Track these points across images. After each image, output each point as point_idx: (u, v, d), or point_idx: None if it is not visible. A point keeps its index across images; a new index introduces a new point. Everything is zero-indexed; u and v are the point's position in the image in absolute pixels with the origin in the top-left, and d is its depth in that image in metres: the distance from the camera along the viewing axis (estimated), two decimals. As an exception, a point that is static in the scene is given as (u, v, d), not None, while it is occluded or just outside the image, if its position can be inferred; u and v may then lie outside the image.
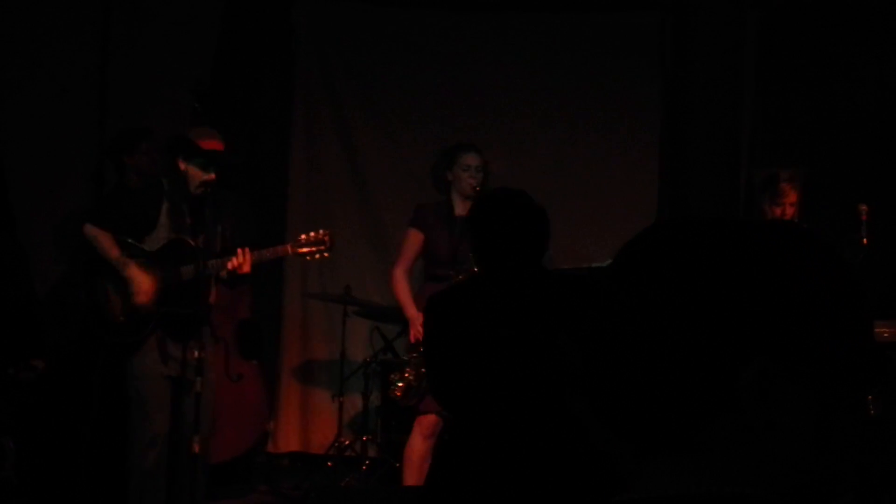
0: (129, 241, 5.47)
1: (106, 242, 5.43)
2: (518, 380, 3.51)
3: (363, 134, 8.24)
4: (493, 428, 3.52)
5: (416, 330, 5.77)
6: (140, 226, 5.48)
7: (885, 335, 5.99)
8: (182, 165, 5.47)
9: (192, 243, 5.42)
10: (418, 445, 5.80)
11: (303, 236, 5.68)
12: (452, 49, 8.26)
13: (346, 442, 7.36)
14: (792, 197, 6.47)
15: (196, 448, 5.35)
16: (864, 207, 6.23)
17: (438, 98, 8.26)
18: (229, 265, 5.41)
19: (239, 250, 5.43)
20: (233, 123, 7.78)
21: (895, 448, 5.82)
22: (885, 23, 7.89)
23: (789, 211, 6.48)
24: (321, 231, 5.70)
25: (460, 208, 6.04)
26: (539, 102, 8.23)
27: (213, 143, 5.48)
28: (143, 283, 5.38)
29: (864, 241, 6.16)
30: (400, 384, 5.75)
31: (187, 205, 5.49)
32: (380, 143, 8.17)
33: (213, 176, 5.42)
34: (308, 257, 5.73)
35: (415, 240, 6.04)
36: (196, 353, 5.33)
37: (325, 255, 5.76)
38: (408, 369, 5.78)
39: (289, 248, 5.65)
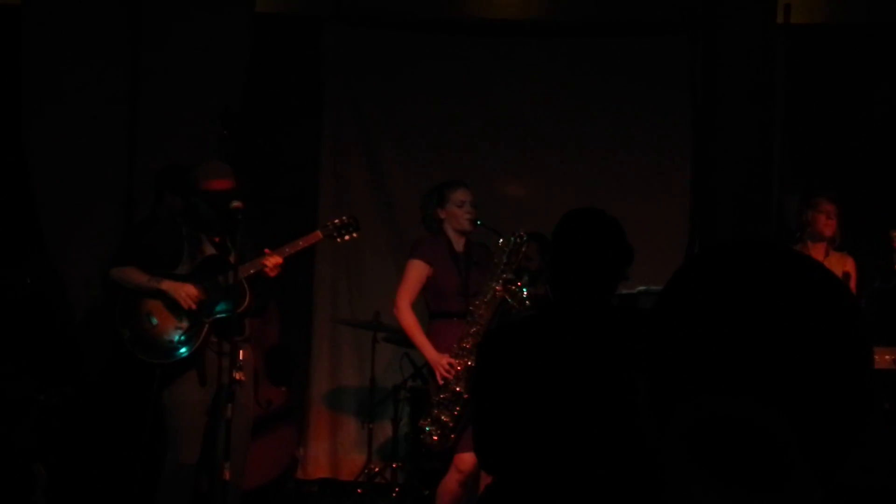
0: (156, 271, 5.51)
1: (133, 274, 5.47)
2: (587, 439, 3.08)
3: (391, 159, 8.26)
4: (550, 497, 3.13)
5: (441, 371, 5.70)
6: (164, 260, 5.51)
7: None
8: (194, 200, 5.54)
9: (222, 255, 5.49)
10: (453, 486, 5.68)
11: (329, 222, 5.86)
12: (480, 74, 8.27)
13: (376, 469, 7.35)
14: (829, 206, 6.47)
15: (227, 475, 5.34)
16: (895, 234, 6.19)
17: (466, 123, 8.26)
18: (265, 261, 5.46)
19: (266, 251, 5.51)
20: (261, 148, 7.82)
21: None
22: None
23: (830, 222, 6.49)
24: (345, 217, 5.92)
25: (457, 244, 5.99)
26: (567, 127, 8.22)
27: (219, 183, 5.49)
28: (183, 288, 5.43)
29: (895, 267, 6.13)
30: (431, 428, 5.65)
31: (208, 237, 5.55)
32: (408, 168, 8.18)
33: (240, 204, 5.45)
34: (339, 239, 5.86)
35: (422, 272, 5.89)
36: (237, 376, 5.35)
37: (355, 235, 5.92)
38: (436, 412, 5.68)
39: (319, 233, 5.76)
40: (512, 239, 5.74)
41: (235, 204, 5.42)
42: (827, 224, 6.50)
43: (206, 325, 5.45)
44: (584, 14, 8.40)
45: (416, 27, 8.35)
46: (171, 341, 5.45)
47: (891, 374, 6.03)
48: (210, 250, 5.55)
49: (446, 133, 8.27)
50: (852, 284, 6.47)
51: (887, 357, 6.05)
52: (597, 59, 8.25)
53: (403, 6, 8.36)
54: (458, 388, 5.61)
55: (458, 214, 5.93)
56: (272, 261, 5.52)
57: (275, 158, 8.12)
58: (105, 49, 7.59)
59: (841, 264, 6.48)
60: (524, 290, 5.62)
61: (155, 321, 5.47)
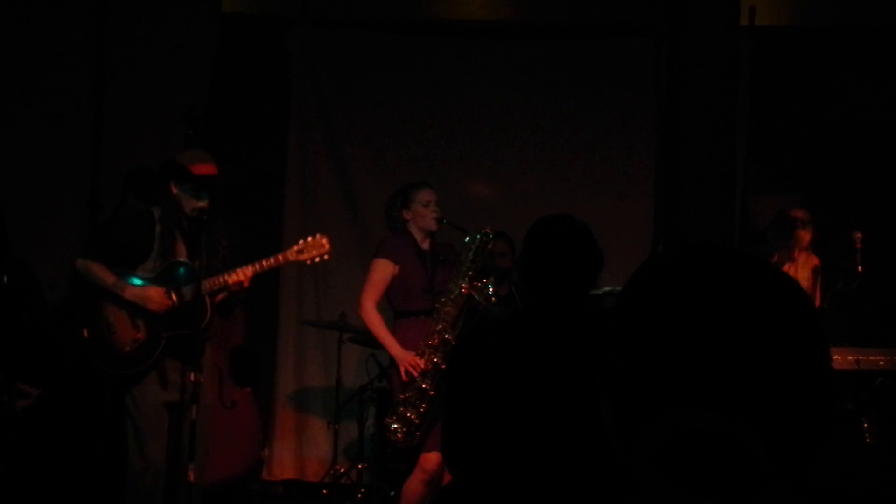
0: (123, 270, 5.44)
1: (100, 272, 5.40)
2: (557, 445, 3.03)
3: (357, 159, 8.25)
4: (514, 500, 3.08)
5: (406, 368, 5.70)
6: (133, 254, 5.45)
7: (881, 363, 5.98)
8: (174, 189, 5.44)
9: (191, 264, 5.40)
10: (417, 485, 5.70)
11: (301, 242, 5.69)
12: (445, 74, 8.29)
13: (342, 469, 7.34)
14: (806, 241, 6.48)
15: (191, 476, 5.32)
16: (858, 235, 6.24)
17: (432, 123, 8.27)
18: (230, 279, 5.38)
19: (239, 269, 5.42)
20: (228, 148, 7.79)
21: (893, 475, 5.81)
22: (877, 48, 7.92)
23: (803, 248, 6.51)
24: (318, 235, 5.71)
25: (423, 243, 5.99)
26: (533, 127, 8.24)
27: (205, 168, 5.45)
28: (148, 291, 5.36)
29: (860, 268, 6.17)
30: (397, 426, 5.65)
31: (180, 231, 5.47)
32: (373, 168, 8.18)
33: (206, 203, 5.40)
34: (308, 261, 5.71)
35: (387, 270, 5.91)
36: (193, 377, 5.30)
37: (326, 257, 5.73)
38: (402, 409, 5.68)
39: (289, 254, 5.64)
40: (478, 236, 5.76)
41: (200, 204, 5.39)
42: (800, 252, 6.54)
43: (163, 341, 5.40)
44: (551, 16, 8.42)
45: (384, 28, 8.35)
46: (125, 353, 5.39)
47: (854, 375, 6.07)
48: (182, 252, 5.48)
49: (413, 133, 8.28)
50: (819, 282, 6.52)
51: (850, 357, 6.09)
52: (563, 60, 8.28)
53: (371, 7, 8.36)
54: (424, 385, 5.63)
55: (423, 214, 5.94)
56: (239, 277, 5.43)
57: (241, 158, 8.09)
58: (69, 48, 7.55)
59: (808, 263, 6.52)
60: (489, 286, 5.63)
61: (113, 326, 5.41)
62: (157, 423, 5.42)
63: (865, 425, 5.92)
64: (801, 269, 6.47)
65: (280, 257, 5.60)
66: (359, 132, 8.27)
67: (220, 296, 5.51)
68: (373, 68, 8.29)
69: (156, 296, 5.37)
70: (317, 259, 5.71)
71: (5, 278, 6.43)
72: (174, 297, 5.39)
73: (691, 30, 7.03)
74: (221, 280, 5.40)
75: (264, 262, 5.51)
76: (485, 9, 8.40)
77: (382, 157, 8.22)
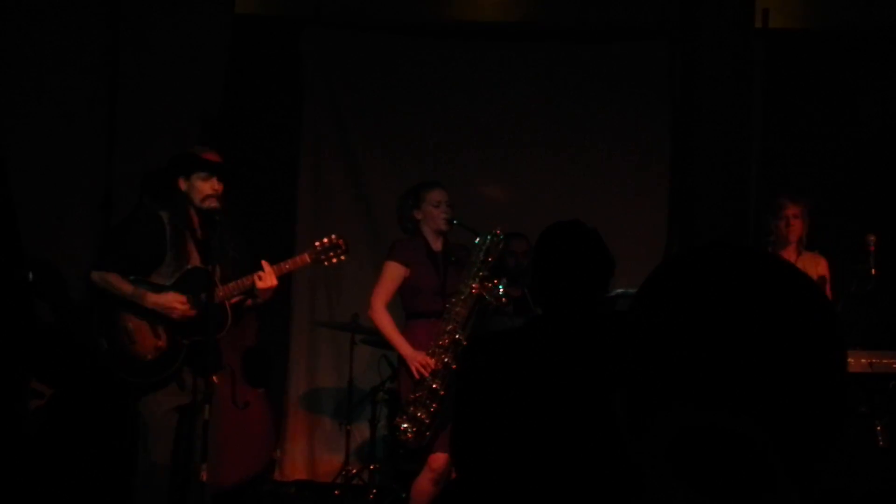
0: (139, 278, 5.42)
1: (117, 282, 5.36)
2: (569, 449, 3.05)
3: (370, 161, 8.26)
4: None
5: (417, 368, 5.71)
6: (146, 262, 5.42)
7: (895, 366, 5.97)
8: (183, 185, 5.41)
9: (207, 269, 5.37)
10: (426, 486, 5.70)
11: (317, 243, 5.68)
12: (458, 76, 8.28)
13: (354, 471, 7.34)
14: (792, 209, 6.42)
15: (204, 476, 5.32)
16: (872, 238, 6.22)
17: (445, 125, 8.28)
18: (257, 278, 5.36)
19: (264, 263, 5.40)
20: (240, 150, 7.80)
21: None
22: (890, 51, 7.91)
23: (794, 224, 6.43)
24: (333, 236, 5.70)
25: (435, 244, 6.00)
26: (546, 131, 8.24)
27: (211, 156, 5.46)
28: (165, 298, 5.34)
29: (873, 271, 6.15)
30: (407, 426, 5.65)
31: (190, 232, 5.45)
32: (386, 170, 8.19)
33: (220, 186, 5.39)
34: (326, 262, 5.71)
35: (398, 273, 5.93)
36: (212, 378, 5.29)
37: (343, 258, 5.73)
38: (413, 409, 5.69)
39: (307, 256, 5.63)
40: (488, 237, 5.77)
41: (214, 186, 5.37)
42: (791, 228, 6.46)
43: (184, 348, 5.39)
44: (564, 18, 8.42)
45: (397, 30, 8.36)
46: (147, 361, 5.38)
47: (867, 378, 6.05)
48: (195, 258, 5.46)
49: (426, 135, 8.28)
50: (827, 287, 6.49)
51: (863, 360, 6.07)
52: (577, 63, 8.28)
53: (384, 9, 8.37)
54: (434, 386, 5.63)
55: (434, 214, 5.95)
56: (266, 275, 5.41)
57: (253, 160, 8.09)
58: (83, 48, 7.56)
59: (814, 265, 6.48)
60: (500, 287, 5.64)
61: (133, 335, 5.39)
62: (166, 426, 5.42)
63: (879, 428, 5.91)
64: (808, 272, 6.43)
65: (298, 260, 5.59)
66: (372, 133, 8.28)
67: (235, 300, 5.51)
68: (386, 70, 8.29)
69: (179, 304, 5.33)
70: (334, 260, 5.71)
71: (31, 275, 6.42)
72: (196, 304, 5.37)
73: (705, 32, 7.03)
74: (241, 284, 5.39)
75: (283, 266, 5.50)
76: (497, 11, 8.40)
77: (395, 159, 8.23)
